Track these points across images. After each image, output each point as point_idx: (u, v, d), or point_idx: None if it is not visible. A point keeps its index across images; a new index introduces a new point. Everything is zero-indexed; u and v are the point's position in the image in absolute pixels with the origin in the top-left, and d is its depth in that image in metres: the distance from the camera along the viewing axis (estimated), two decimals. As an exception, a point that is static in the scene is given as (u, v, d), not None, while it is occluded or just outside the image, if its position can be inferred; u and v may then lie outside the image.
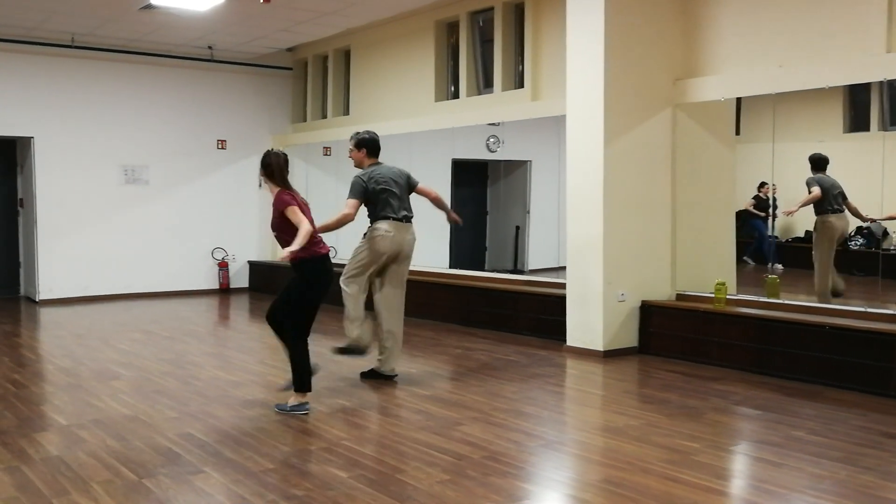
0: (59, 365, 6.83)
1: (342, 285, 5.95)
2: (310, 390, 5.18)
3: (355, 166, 6.12)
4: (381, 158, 6.13)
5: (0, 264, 11.44)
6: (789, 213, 8.67)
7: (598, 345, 7.00)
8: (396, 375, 6.11)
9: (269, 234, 12.41)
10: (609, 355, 6.95)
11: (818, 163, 7.64)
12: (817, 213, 7.59)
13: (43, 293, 10.82)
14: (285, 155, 5.21)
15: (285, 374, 5.39)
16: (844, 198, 7.49)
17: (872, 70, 6.11)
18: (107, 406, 5.36)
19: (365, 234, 5.98)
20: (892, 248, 8.66)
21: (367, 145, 6.08)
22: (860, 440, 4.57)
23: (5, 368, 6.62)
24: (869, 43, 6.02)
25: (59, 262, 10.88)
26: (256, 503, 3.62)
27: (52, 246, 10.85)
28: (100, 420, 5.00)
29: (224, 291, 12.05)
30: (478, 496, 3.69)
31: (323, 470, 4.07)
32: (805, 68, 6.39)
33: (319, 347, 6.10)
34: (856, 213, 7.63)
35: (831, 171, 7.66)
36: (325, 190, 11.65)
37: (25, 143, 10.94)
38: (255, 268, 12.36)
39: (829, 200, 7.53)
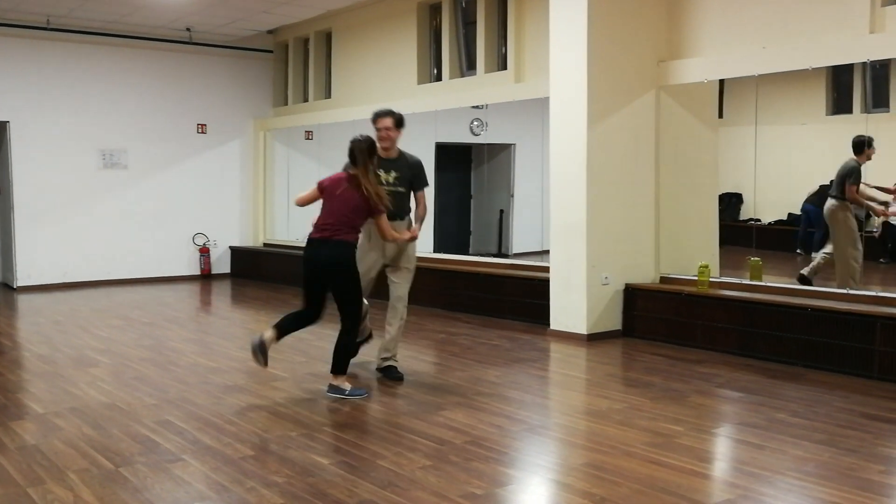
0: (37, 352, 6.73)
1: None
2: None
3: (385, 148, 5.51)
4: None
5: (-23, 251, 11.30)
6: None
7: (582, 328, 6.98)
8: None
9: (251, 220, 12.43)
10: (593, 339, 6.93)
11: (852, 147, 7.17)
12: None
13: (21, 280, 10.68)
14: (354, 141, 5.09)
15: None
16: (842, 182, 7.15)
17: (856, 51, 6.08)
18: (84, 394, 5.28)
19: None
20: (874, 229, 8.68)
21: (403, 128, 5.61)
22: (843, 422, 4.57)
23: (-19, 356, 6.53)
24: (853, 23, 5.99)
25: (37, 248, 10.75)
26: (235, 491, 3.56)
27: (30, 232, 10.71)
28: (77, 408, 4.92)
29: (205, 277, 11.95)
30: (460, 482, 3.65)
31: (303, 456, 4.01)
32: (789, 49, 6.36)
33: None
34: (854, 200, 7.17)
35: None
36: (307, 174, 11.53)
37: (1, 127, 10.76)
38: (237, 253, 12.26)
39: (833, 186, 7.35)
